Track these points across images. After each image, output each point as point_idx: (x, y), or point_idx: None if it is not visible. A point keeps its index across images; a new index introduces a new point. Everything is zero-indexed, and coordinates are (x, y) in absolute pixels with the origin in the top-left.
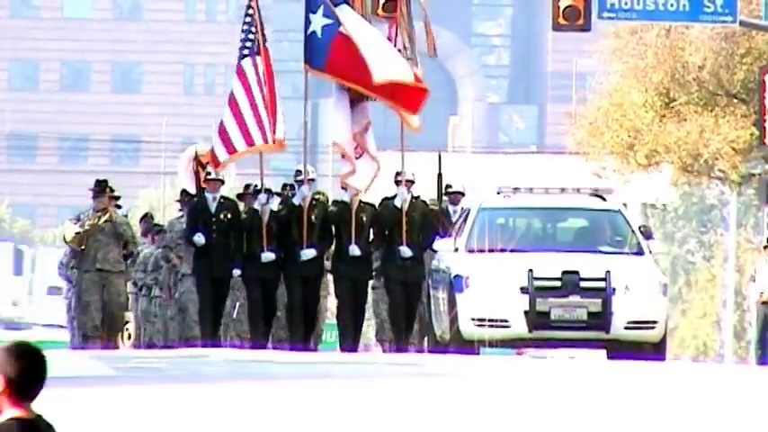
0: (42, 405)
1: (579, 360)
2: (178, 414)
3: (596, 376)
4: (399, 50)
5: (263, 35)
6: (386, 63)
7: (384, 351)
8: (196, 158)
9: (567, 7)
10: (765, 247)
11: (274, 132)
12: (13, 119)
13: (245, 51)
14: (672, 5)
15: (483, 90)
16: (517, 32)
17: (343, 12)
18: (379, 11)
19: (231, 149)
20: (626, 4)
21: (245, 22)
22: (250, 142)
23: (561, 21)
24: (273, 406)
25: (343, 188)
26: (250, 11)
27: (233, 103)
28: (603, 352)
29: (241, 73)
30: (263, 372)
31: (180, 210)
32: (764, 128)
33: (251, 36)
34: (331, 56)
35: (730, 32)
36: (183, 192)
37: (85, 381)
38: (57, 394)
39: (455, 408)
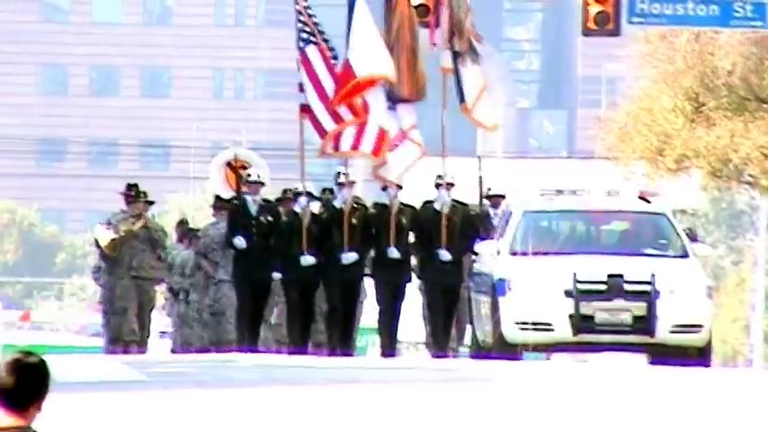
0: (73, 410)
1: (618, 365)
2: (206, 419)
3: (633, 382)
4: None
5: (317, 30)
6: (368, 58)
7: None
8: (228, 163)
9: (597, 12)
10: None
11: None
12: (42, 123)
13: (306, 38)
14: (701, 10)
15: (513, 95)
16: (547, 37)
17: (358, 5)
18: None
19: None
20: (656, 8)
21: (298, 20)
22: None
23: (591, 26)
24: (302, 411)
25: (383, 189)
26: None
27: (319, 88)
28: (644, 357)
29: (306, 60)
30: (293, 377)
31: (214, 215)
32: None
33: (306, 29)
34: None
35: (760, 37)
36: (217, 197)
37: (117, 386)
38: (88, 398)
39: (489, 414)
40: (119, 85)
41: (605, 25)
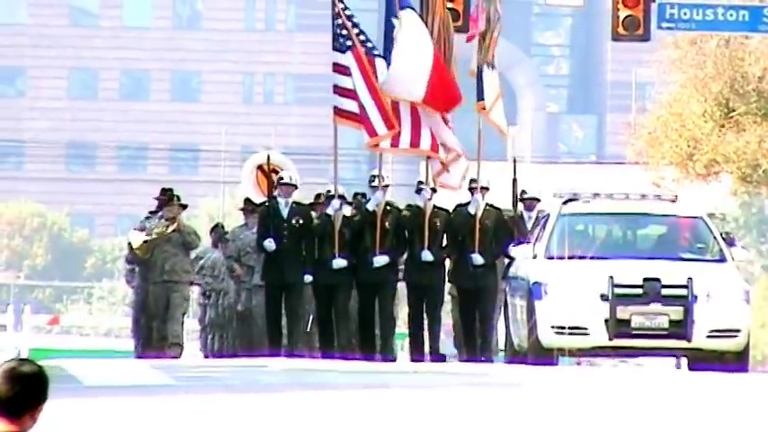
0: (100, 414)
1: (655, 370)
2: (234, 423)
3: (668, 387)
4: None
5: (356, 34)
6: (402, 78)
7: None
8: (260, 167)
9: (626, 17)
10: None
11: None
12: (72, 128)
13: (346, 44)
14: (731, 16)
15: (542, 100)
16: (577, 42)
17: (406, 16)
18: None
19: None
20: (685, 14)
21: (336, 25)
22: (416, 143)
23: (621, 31)
24: (329, 415)
25: (417, 192)
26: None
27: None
28: (673, 361)
29: (342, 68)
30: (321, 381)
31: (245, 218)
32: None
33: (344, 32)
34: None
35: None
36: (247, 200)
37: (144, 390)
38: (115, 402)
39: (516, 420)
40: (149, 90)
41: (635, 30)
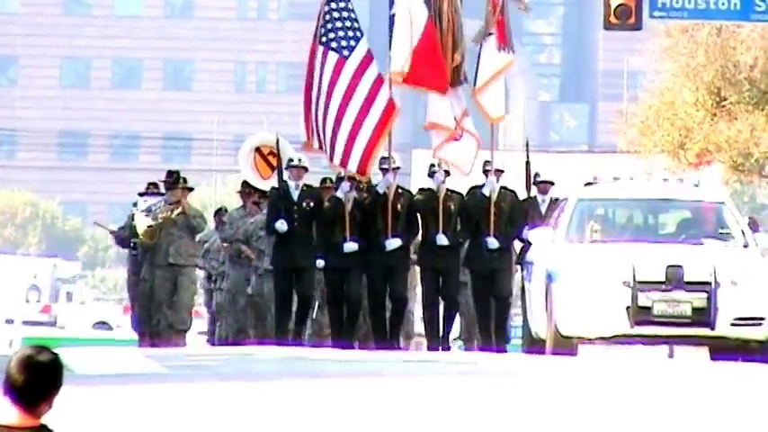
0: (90, 402)
1: (676, 360)
2: (223, 411)
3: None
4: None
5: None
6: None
7: (468, 349)
8: (258, 150)
9: (618, 6)
10: None
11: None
12: (64, 116)
13: (332, 44)
14: (723, 4)
15: (534, 88)
16: (568, 31)
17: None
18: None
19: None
20: (677, 2)
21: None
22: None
23: (613, 19)
24: (320, 404)
25: (430, 175)
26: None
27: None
28: (704, 351)
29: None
30: (315, 370)
31: (242, 201)
32: None
33: (340, 33)
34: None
35: None
36: (244, 183)
37: (137, 378)
38: (104, 391)
39: (505, 413)
40: (141, 78)
41: (627, 19)
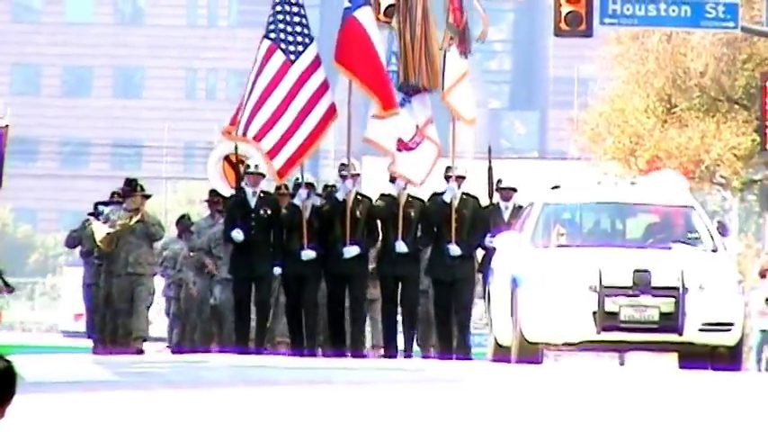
0: (37, 410)
1: (642, 368)
2: (174, 420)
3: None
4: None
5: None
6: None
7: (425, 357)
8: (227, 158)
9: (568, 13)
10: None
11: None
12: (14, 123)
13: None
14: (673, 11)
15: (484, 96)
16: (519, 38)
17: (365, 11)
18: (381, 16)
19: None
20: (627, 9)
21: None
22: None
23: (563, 26)
24: (271, 413)
25: (391, 181)
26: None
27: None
28: (670, 358)
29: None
30: (264, 377)
31: (214, 210)
32: (765, 134)
33: (291, 37)
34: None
35: (732, 38)
36: (212, 191)
37: (83, 385)
38: (57, 399)
39: (468, 420)
40: (91, 86)
41: (577, 26)
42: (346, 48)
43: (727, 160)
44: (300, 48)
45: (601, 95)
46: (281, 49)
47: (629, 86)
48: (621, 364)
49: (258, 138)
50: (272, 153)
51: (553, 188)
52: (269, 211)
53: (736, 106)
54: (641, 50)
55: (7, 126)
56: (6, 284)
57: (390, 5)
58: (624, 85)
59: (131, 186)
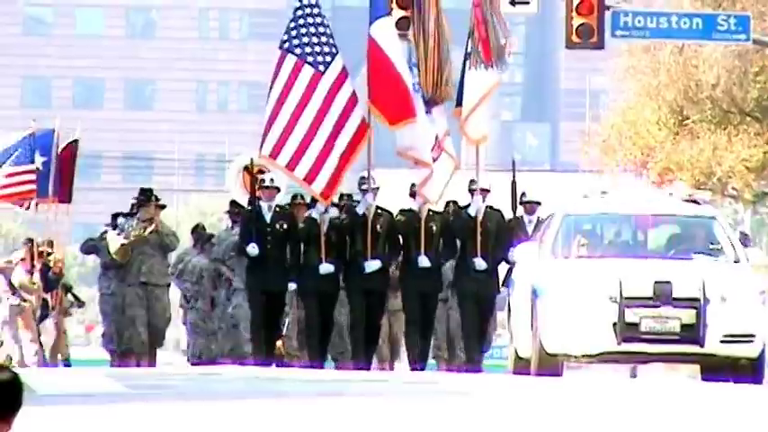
0: (49, 423)
1: (661, 381)
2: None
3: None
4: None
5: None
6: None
7: (440, 369)
8: (246, 168)
9: (580, 25)
10: None
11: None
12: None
13: (308, 57)
14: (685, 24)
15: (496, 108)
16: (531, 50)
17: (383, 23)
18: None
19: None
20: (639, 22)
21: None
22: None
23: (575, 39)
24: (284, 425)
25: (412, 195)
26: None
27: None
28: (689, 371)
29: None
30: (277, 390)
31: (234, 221)
32: None
33: (317, 48)
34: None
35: (743, 50)
36: (233, 203)
37: (98, 399)
38: (68, 412)
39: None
40: (102, 98)
41: (589, 38)
42: (375, 86)
43: (738, 172)
44: (329, 58)
45: (612, 107)
46: (309, 63)
47: (641, 98)
48: (633, 376)
49: (291, 166)
50: (310, 178)
51: (583, 197)
52: (285, 225)
53: (748, 118)
54: (653, 63)
55: (77, 141)
56: (77, 299)
57: (402, 17)
58: (636, 98)
59: (146, 196)
